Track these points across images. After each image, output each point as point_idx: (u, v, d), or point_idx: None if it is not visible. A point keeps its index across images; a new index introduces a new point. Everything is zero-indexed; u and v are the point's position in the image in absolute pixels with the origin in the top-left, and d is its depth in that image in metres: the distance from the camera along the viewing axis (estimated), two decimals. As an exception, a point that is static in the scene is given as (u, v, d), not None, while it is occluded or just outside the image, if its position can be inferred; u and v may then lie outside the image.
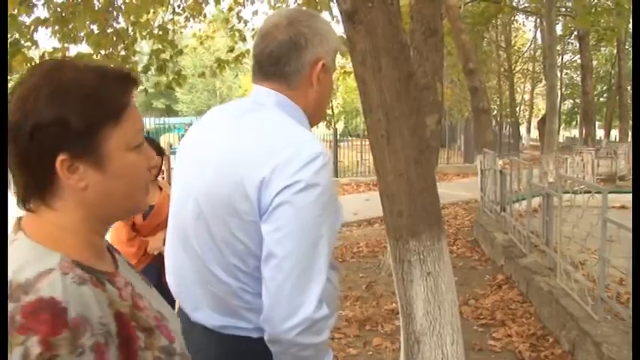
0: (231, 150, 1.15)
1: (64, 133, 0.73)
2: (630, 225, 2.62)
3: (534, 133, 30.29)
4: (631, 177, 9.26)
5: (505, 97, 29.37)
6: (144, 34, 5.69)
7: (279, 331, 1.08)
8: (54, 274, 0.70)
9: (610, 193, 3.44)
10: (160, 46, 5.79)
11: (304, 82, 1.24)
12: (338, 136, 16.53)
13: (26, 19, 4.50)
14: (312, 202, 1.07)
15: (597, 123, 25.24)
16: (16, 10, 4.19)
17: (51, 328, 0.66)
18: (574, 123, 35.00)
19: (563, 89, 29.25)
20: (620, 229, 3.07)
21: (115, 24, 5.21)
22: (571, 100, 33.47)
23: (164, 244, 1.38)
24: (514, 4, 19.61)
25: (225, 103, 1.37)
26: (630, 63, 18.64)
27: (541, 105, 32.36)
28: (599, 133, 26.78)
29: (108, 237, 0.89)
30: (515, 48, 29.09)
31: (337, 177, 14.08)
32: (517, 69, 28.96)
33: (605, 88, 29.48)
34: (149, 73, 6.06)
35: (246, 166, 1.11)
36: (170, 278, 1.33)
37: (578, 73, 23.49)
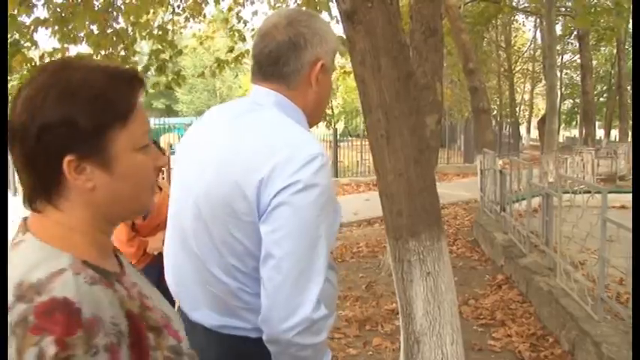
0: (230, 150, 1.15)
1: (71, 133, 0.73)
2: (630, 225, 2.63)
3: (534, 133, 30.30)
4: (631, 177, 9.26)
5: (505, 97, 29.38)
6: (143, 34, 5.69)
7: (277, 332, 1.08)
8: (66, 274, 0.70)
9: (610, 193, 3.43)
10: (159, 47, 5.79)
11: (303, 83, 1.24)
12: (338, 136, 16.51)
13: (26, 20, 4.51)
14: (311, 202, 1.07)
15: (597, 123, 25.26)
16: (15, 11, 4.19)
17: (66, 328, 0.65)
18: (574, 123, 35.01)
19: (563, 89, 29.26)
20: (619, 228, 3.07)
21: (114, 24, 5.21)
22: (571, 100, 33.47)
23: (164, 244, 1.38)
24: (514, 4, 19.63)
25: (225, 103, 1.37)
26: (630, 63, 18.66)
27: (541, 105, 32.38)
28: (599, 133, 26.81)
29: (107, 237, 0.89)
30: (515, 48, 29.10)
31: (337, 177, 14.08)
32: (517, 69, 28.98)
33: (605, 87, 29.49)
34: (149, 73, 6.05)
35: (244, 166, 1.11)
36: (169, 278, 1.33)
37: (578, 72, 23.50)
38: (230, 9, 7.40)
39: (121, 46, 5.26)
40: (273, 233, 1.08)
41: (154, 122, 17.34)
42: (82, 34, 4.86)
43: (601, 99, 29.01)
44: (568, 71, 30.49)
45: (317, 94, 1.26)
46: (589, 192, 3.75)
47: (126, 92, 0.79)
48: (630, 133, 16.36)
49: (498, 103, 29.33)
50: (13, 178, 12.83)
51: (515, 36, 29.43)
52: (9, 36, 4.04)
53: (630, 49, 19.58)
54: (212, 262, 1.18)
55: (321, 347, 1.14)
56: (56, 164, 0.74)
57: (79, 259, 0.74)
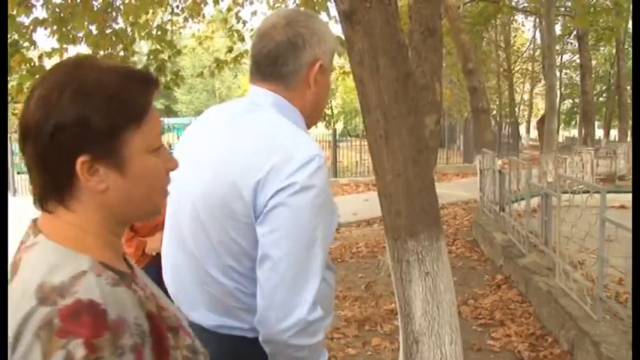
0: (228, 150, 1.15)
1: (86, 134, 0.72)
2: (629, 224, 2.63)
3: (534, 133, 30.30)
4: (630, 177, 9.27)
5: (504, 97, 29.38)
6: (142, 34, 5.69)
7: (273, 333, 1.09)
8: (88, 276, 0.70)
9: (608, 192, 3.43)
10: (158, 47, 5.79)
11: (301, 83, 1.24)
12: (337, 137, 16.53)
13: (25, 20, 4.50)
14: (307, 204, 1.08)
15: (596, 123, 25.28)
16: (15, 11, 4.19)
17: (93, 331, 0.65)
18: (573, 123, 35.04)
19: (563, 89, 29.25)
20: (618, 228, 3.07)
21: (113, 24, 5.21)
22: (570, 100, 33.48)
23: (162, 244, 1.38)
24: (513, 3, 19.61)
25: (223, 104, 1.37)
26: (630, 62, 18.69)
27: (540, 105, 32.36)
28: (599, 132, 26.80)
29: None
30: (515, 48, 29.08)
31: (336, 177, 14.08)
32: (516, 69, 28.96)
33: (604, 87, 29.50)
34: (148, 73, 6.04)
35: (242, 167, 1.11)
36: (167, 278, 1.33)
37: (578, 72, 23.50)
38: (229, 9, 7.40)
39: (120, 46, 5.25)
40: (270, 234, 1.08)
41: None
42: (80, 35, 4.86)
43: (600, 99, 29.03)
44: (567, 71, 30.49)
45: (315, 95, 1.26)
46: (588, 192, 3.75)
47: (140, 93, 0.78)
48: (630, 133, 16.39)
49: (498, 103, 29.35)
50: (13, 179, 12.84)
51: (515, 36, 29.41)
52: (8, 36, 4.04)
53: (630, 48, 19.62)
54: (209, 262, 1.18)
55: (318, 348, 1.14)
56: (69, 165, 0.73)
57: (97, 261, 0.73)
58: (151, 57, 5.79)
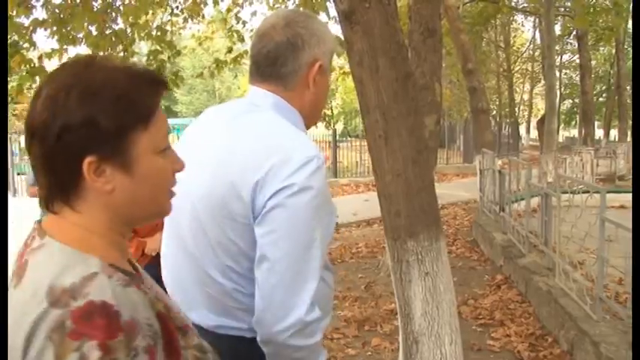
0: (227, 151, 1.15)
1: (93, 134, 0.72)
2: (629, 224, 2.63)
3: (533, 133, 30.30)
4: (630, 177, 9.27)
5: (504, 97, 29.39)
6: (142, 35, 5.69)
7: (271, 333, 1.09)
8: (100, 277, 0.69)
9: (608, 192, 3.43)
10: (158, 47, 5.79)
11: (301, 84, 1.24)
12: (337, 137, 16.53)
13: (25, 21, 4.50)
14: (306, 205, 1.08)
15: (596, 123, 25.28)
16: (14, 12, 4.19)
17: (107, 332, 0.65)
18: (573, 123, 35.03)
19: (562, 89, 29.25)
20: (618, 228, 3.07)
21: (113, 25, 5.21)
22: (570, 100, 33.48)
23: (161, 244, 1.38)
24: (513, 4, 19.61)
25: (222, 104, 1.37)
26: (629, 62, 18.69)
27: (540, 105, 32.36)
28: (599, 132, 26.81)
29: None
30: (514, 48, 29.08)
31: (336, 177, 14.09)
32: (516, 69, 28.96)
33: (604, 87, 29.49)
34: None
35: (240, 168, 1.11)
36: (167, 279, 1.33)
37: (577, 72, 23.48)
38: (229, 10, 7.39)
39: (120, 46, 5.25)
40: (268, 235, 1.08)
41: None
42: (80, 35, 4.86)
43: (600, 99, 29.02)
44: (567, 71, 30.49)
45: (314, 95, 1.26)
46: (588, 192, 3.75)
47: (148, 93, 0.77)
48: (629, 133, 16.40)
49: (497, 103, 29.35)
50: (13, 179, 12.85)
51: (514, 36, 29.41)
52: (8, 37, 4.04)
53: (629, 48, 19.64)
54: (208, 262, 1.18)
55: (316, 348, 1.14)
56: (75, 165, 0.72)
57: (106, 263, 0.73)
58: (151, 57, 5.80)
